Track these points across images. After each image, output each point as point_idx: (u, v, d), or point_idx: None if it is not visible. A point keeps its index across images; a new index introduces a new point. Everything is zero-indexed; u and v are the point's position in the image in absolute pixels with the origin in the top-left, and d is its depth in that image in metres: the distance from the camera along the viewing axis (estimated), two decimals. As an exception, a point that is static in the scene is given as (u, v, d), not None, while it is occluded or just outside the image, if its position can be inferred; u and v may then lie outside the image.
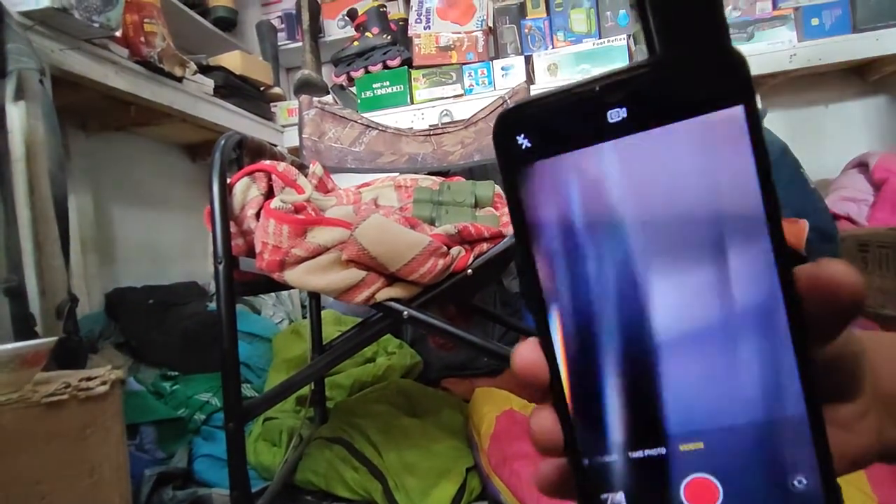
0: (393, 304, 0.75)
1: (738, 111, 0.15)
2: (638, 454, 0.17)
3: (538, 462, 0.18)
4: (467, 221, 0.82)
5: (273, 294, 1.61)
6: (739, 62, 0.15)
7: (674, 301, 0.16)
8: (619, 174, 0.16)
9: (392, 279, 0.75)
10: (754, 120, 0.15)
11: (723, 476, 0.16)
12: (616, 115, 0.16)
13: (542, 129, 0.17)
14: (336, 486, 0.90)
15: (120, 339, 1.19)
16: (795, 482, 0.16)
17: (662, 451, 0.16)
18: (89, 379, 0.51)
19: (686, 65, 0.16)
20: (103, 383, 0.52)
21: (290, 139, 1.72)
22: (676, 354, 0.16)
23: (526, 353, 0.17)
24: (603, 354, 0.17)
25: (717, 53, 0.15)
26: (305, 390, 1.12)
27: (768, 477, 0.16)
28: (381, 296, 0.74)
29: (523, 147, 0.17)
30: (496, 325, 1.34)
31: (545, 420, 0.17)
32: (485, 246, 0.81)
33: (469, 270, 0.77)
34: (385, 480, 0.86)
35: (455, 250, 0.77)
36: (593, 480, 0.17)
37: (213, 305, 1.39)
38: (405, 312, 0.74)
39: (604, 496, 0.17)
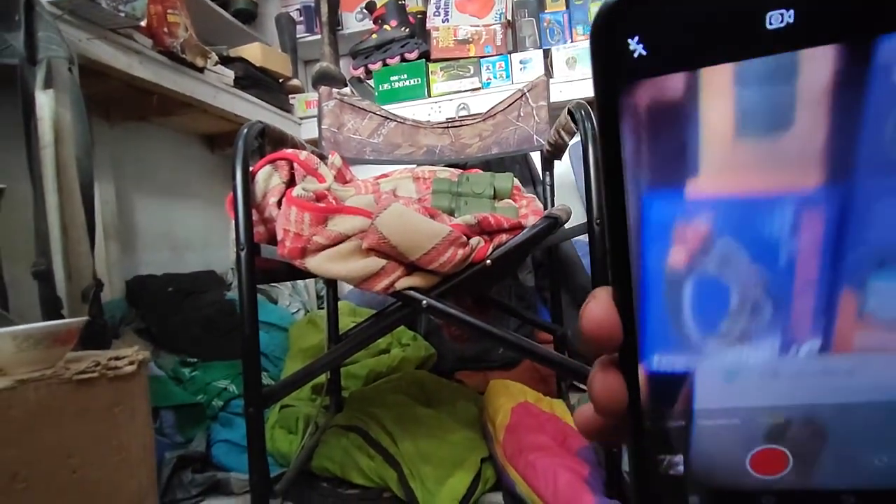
0: (412, 292, 0.75)
1: None
2: (709, 423, 0.15)
3: (579, 410, 0.18)
4: (486, 212, 0.82)
5: (289, 284, 1.62)
6: None
7: (796, 262, 0.14)
8: (773, 108, 0.12)
9: (411, 268, 0.76)
10: None
11: (796, 449, 0.15)
12: (778, 18, 0.12)
13: (668, 30, 0.12)
14: (351, 473, 0.91)
15: (140, 325, 1.21)
16: (876, 461, 0.14)
17: (737, 421, 0.15)
18: (118, 359, 0.52)
19: None
20: (131, 363, 0.53)
21: (308, 131, 1.73)
22: (779, 321, 0.14)
23: (598, 309, 0.16)
24: (693, 314, 0.15)
25: None
26: (321, 379, 1.14)
27: (845, 454, 0.15)
28: (400, 284, 0.75)
29: (636, 54, 0.13)
30: (511, 319, 1.34)
31: (610, 382, 0.16)
32: (504, 237, 0.81)
33: (488, 261, 0.77)
34: (400, 468, 0.86)
35: (474, 240, 0.77)
36: (653, 441, 0.16)
37: (230, 294, 1.41)
38: (424, 301, 0.75)
39: (661, 457, 0.16)
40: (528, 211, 0.95)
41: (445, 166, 1.14)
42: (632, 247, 0.15)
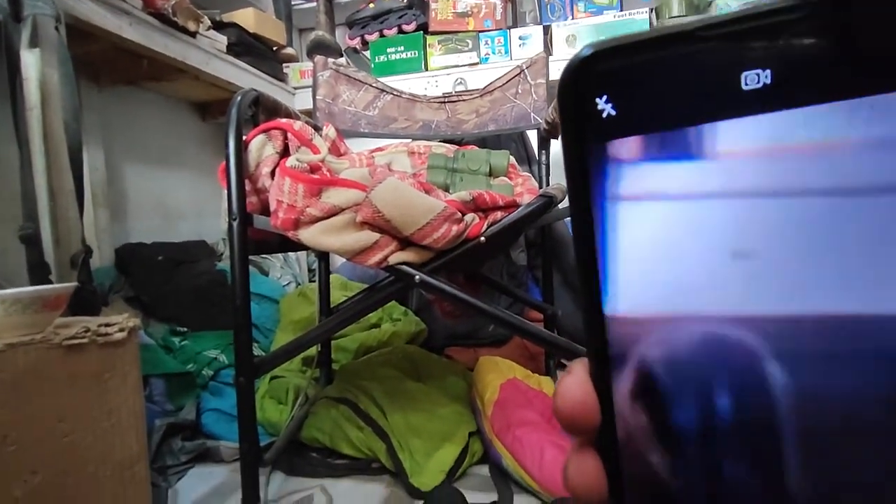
0: (405, 267, 0.75)
1: None
2: None
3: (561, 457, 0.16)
4: (482, 189, 0.82)
5: (281, 256, 1.61)
6: None
7: (810, 377, 0.12)
8: (753, 171, 0.11)
9: (405, 243, 0.75)
10: None
11: None
12: (755, 79, 0.11)
13: (639, 90, 0.12)
14: (341, 444, 0.92)
15: (130, 293, 1.20)
16: None
17: None
18: (108, 325, 0.52)
19: (881, 7, 0.10)
20: (121, 330, 0.53)
21: (302, 101, 1.70)
22: (823, 413, 0.12)
23: (574, 387, 0.14)
24: (682, 411, 0.13)
25: None
26: (312, 351, 1.14)
27: None
28: (393, 259, 0.74)
29: (605, 114, 0.12)
30: (502, 296, 1.35)
31: (586, 467, 0.14)
32: (499, 214, 0.81)
33: (482, 238, 0.77)
34: (389, 440, 0.88)
35: (469, 217, 0.77)
36: None
37: (221, 265, 1.40)
38: (417, 276, 0.75)
39: None
40: (523, 189, 0.95)
41: (441, 142, 1.13)
42: (607, 328, 0.13)
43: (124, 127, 1.37)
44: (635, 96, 0.12)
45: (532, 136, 1.55)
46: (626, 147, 0.12)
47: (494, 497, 0.79)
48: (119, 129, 1.35)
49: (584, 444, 0.14)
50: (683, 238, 0.12)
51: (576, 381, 0.14)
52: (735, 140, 0.12)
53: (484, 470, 0.89)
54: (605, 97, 0.12)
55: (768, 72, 0.11)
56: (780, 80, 0.11)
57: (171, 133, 1.58)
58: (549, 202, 0.81)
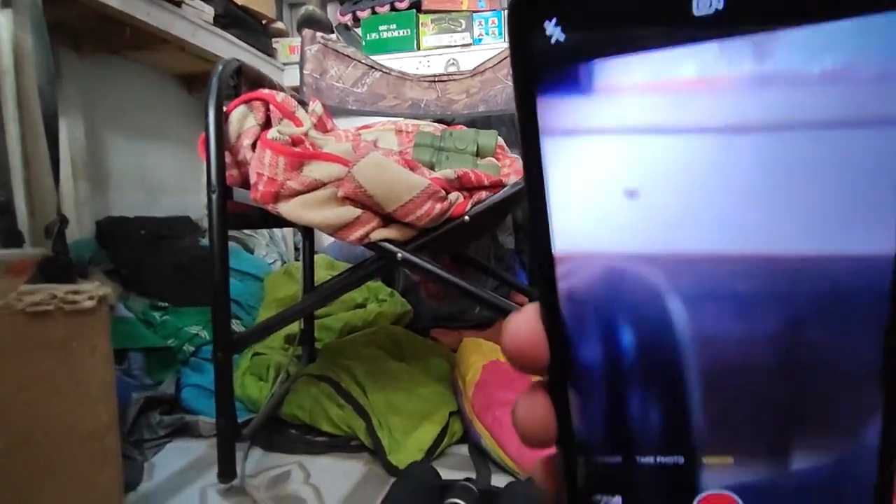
0: (387, 244, 0.74)
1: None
2: (648, 460, 0.14)
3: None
4: (468, 168, 0.80)
5: (266, 234, 1.60)
6: None
7: (743, 286, 0.12)
8: (697, 101, 0.11)
9: (388, 220, 0.74)
10: None
11: (748, 496, 0.13)
12: (706, 4, 0.11)
13: (587, 14, 0.11)
14: (320, 422, 0.91)
15: (110, 266, 1.18)
16: None
17: (681, 459, 0.13)
18: (76, 293, 0.51)
19: None
20: (90, 298, 0.51)
21: (291, 78, 1.66)
22: (725, 347, 0.13)
23: (522, 324, 0.14)
24: (625, 336, 0.13)
25: None
26: (294, 329, 1.13)
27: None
28: (375, 236, 0.73)
29: (553, 40, 0.11)
30: (488, 279, 1.34)
31: (536, 408, 0.14)
32: (484, 194, 0.80)
33: (466, 217, 0.76)
34: (369, 419, 0.87)
35: (453, 196, 0.76)
36: (588, 479, 0.14)
37: (205, 241, 1.38)
38: (399, 254, 0.74)
39: (598, 497, 0.14)
40: (510, 171, 0.94)
41: (430, 122, 1.11)
42: (553, 252, 0.13)
43: (106, 97, 1.34)
44: (585, 20, 0.11)
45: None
46: (574, 74, 0.12)
47: (473, 475, 0.79)
48: (100, 99, 1.31)
49: (534, 387, 0.14)
50: (621, 172, 0.12)
51: (524, 317, 0.14)
52: (681, 69, 0.11)
53: (463, 449, 0.89)
54: (553, 21, 0.11)
55: None
56: (731, 5, 0.11)
57: (156, 105, 1.54)
58: (534, 183, 0.80)
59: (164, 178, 1.53)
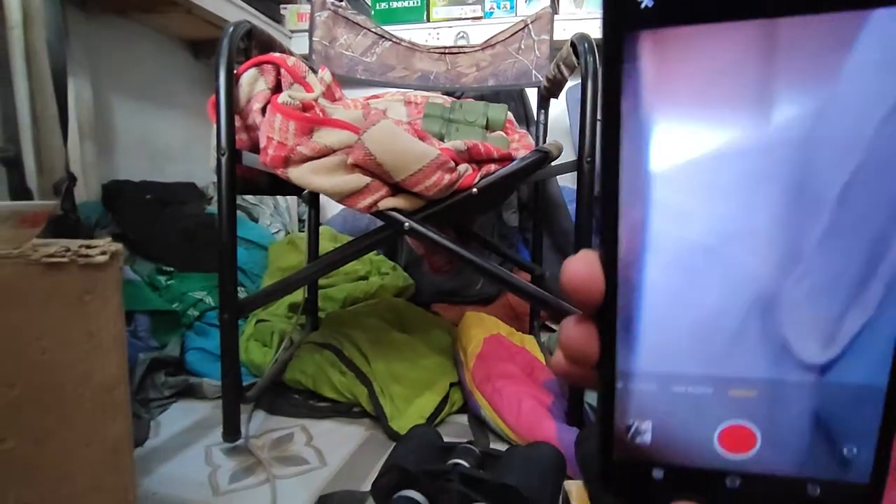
0: (395, 213, 0.74)
1: None
2: (681, 388, 0.15)
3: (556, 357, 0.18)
4: (477, 140, 0.80)
5: (271, 204, 1.60)
6: None
7: (778, 231, 0.14)
8: (772, 69, 0.13)
9: (396, 189, 0.75)
10: None
11: (766, 428, 0.15)
12: None
13: None
14: (323, 387, 0.93)
15: (116, 230, 1.19)
16: (845, 450, 0.14)
17: (709, 390, 0.15)
18: (89, 247, 0.51)
19: None
20: (103, 253, 0.52)
21: (298, 46, 1.64)
22: (760, 291, 0.14)
23: (579, 264, 0.16)
24: (675, 276, 0.15)
25: None
26: (298, 297, 1.14)
27: (816, 439, 0.14)
28: (383, 204, 0.74)
29: (642, 5, 0.13)
30: (491, 255, 1.35)
31: (580, 333, 0.16)
32: (492, 167, 0.80)
33: (475, 189, 0.76)
34: (371, 386, 0.89)
35: (462, 167, 0.76)
36: (623, 403, 0.16)
37: (211, 208, 1.38)
38: (407, 224, 0.74)
39: (630, 421, 0.16)
40: (519, 145, 0.94)
41: (439, 94, 1.10)
42: (620, 202, 0.15)
43: (113, 59, 1.33)
44: None
45: (532, 97, 1.52)
46: (654, 38, 0.13)
47: (471, 444, 0.81)
48: (107, 61, 1.30)
49: (583, 318, 0.16)
50: (693, 142, 0.14)
51: (583, 257, 0.16)
52: (753, 44, 0.13)
53: (462, 419, 0.91)
54: None
55: None
56: None
57: (163, 70, 1.53)
58: (544, 157, 0.80)
59: (169, 145, 1.53)
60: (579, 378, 0.17)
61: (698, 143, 0.14)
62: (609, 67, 0.14)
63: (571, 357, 0.16)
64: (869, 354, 0.14)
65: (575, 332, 0.16)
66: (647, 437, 0.16)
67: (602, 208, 0.15)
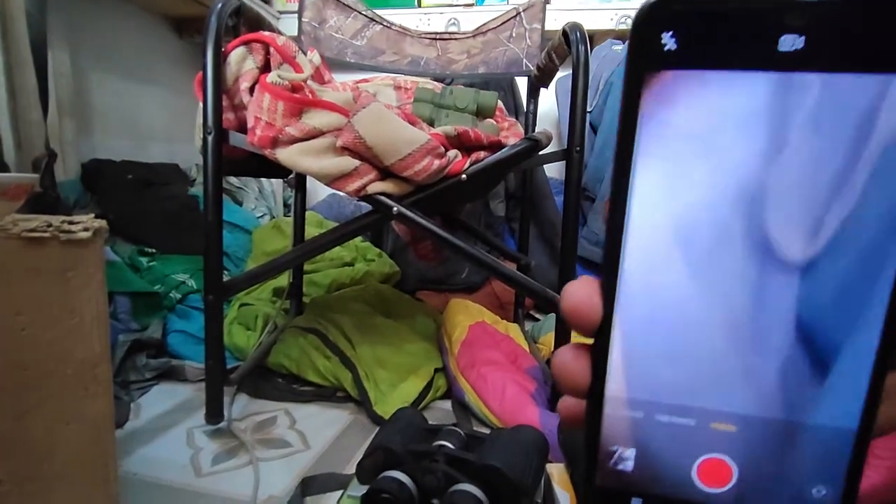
0: (383, 198, 0.74)
1: None
2: (665, 418, 0.16)
3: (562, 399, 0.18)
4: (468, 127, 0.80)
5: (256, 188, 1.58)
6: None
7: (771, 276, 0.14)
8: (768, 114, 0.14)
9: (385, 173, 0.74)
10: None
11: (742, 463, 0.15)
12: (790, 42, 0.13)
13: (697, 33, 0.14)
14: (307, 371, 0.93)
15: (96, 210, 1.16)
16: (814, 491, 0.15)
17: (692, 422, 0.16)
18: (72, 223, 0.50)
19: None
20: (86, 229, 0.51)
21: (287, 27, 1.61)
22: (748, 333, 0.15)
23: (580, 290, 0.16)
24: (670, 312, 0.15)
25: None
26: (283, 282, 1.14)
27: (788, 478, 0.15)
28: (372, 188, 0.73)
29: (666, 48, 0.14)
30: (478, 244, 1.35)
31: (572, 361, 0.17)
32: (482, 154, 0.80)
33: (464, 175, 0.76)
34: (356, 370, 0.89)
35: (452, 153, 0.76)
36: (609, 430, 0.16)
37: (194, 190, 1.36)
38: (395, 208, 0.74)
39: (614, 447, 0.16)
40: (509, 133, 0.94)
41: (429, 80, 1.09)
42: (625, 230, 0.15)
43: (94, 33, 1.29)
44: (694, 38, 0.14)
45: (522, 87, 1.52)
46: (676, 79, 0.14)
47: (454, 429, 0.82)
48: (88, 36, 1.26)
49: (577, 345, 0.17)
50: (695, 168, 0.15)
51: (583, 283, 0.17)
52: (760, 93, 0.14)
53: (446, 404, 0.91)
54: (670, 33, 0.14)
55: (802, 38, 0.13)
56: (810, 47, 0.13)
57: (145, 48, 1.49)
58: (534, 145, 0.80)
59: (152, 125, 1.50)
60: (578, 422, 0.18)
61: (702, 187, 0.14)
62: (627, 102, 0.15)
63: (563, 382, 0.17)
64: (839, 401, 0.15)
65: (568, 357, 0.17)
66: (629, 465, 0.16)
67: (607, 239, 0.15)
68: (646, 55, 0.14)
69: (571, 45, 0.81)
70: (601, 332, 0.16)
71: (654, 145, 0.15)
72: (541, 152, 0.86)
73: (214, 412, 0.77)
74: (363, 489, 0.48)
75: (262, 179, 1.62)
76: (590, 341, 0.17)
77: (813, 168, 0.14)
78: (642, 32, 0.14)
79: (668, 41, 0.14)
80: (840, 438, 0.15)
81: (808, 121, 0.14)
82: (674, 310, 0.15)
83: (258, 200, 1.53)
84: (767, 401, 0.15)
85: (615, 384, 0.16)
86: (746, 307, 0.15)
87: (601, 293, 0.16)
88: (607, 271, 0.16)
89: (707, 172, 0.14)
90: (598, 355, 0.16)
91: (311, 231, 1.25)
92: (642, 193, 0.15)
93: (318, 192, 1.66)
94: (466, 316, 1.02)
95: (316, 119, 0.71)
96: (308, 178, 1.10)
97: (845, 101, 0.13)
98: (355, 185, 0.72)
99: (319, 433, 0.80)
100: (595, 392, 0.16)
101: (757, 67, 0.14)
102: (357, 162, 0.72)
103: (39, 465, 0.50)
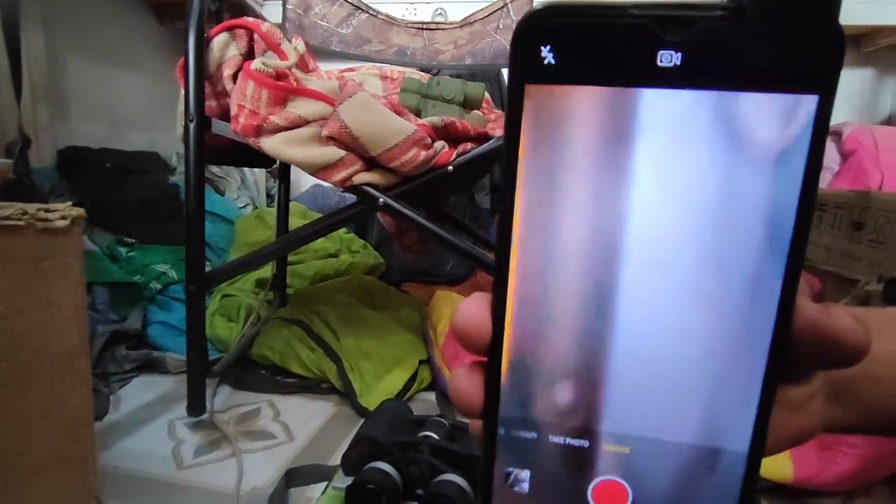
0: (369, 189, 0.74)
1: (811, 102, 0.13)
2: (559, 440, 0.16)
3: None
4: (455, 118, 0.80)
5: (238, 177, 1.55)
6: (839, 43, 0.13)
7: (656, 297, 0.15)
8: (644, 131, 0.14)
9: (371, 164, 0.74)
10: (823, 118, 0.13)
11: (637, 486, 0.15)
12: (668, 58, 0.13)
13: (575, 48, 0.14)
14: (291, 363, 0.92)
15: (72, 198, 1.13)
16: None
17: (585, 443, 0.16)
18: (48, 211, 0.49)
19: (775, 24, 0.13)
20: (63, 218, 0.49)
21: (271, 15, 1.58)
22: (636, 354, 0.15)
23: (473, 307, 0.16)
24: (558, 331, 0.15)
25: (819, 24, 0.13)
26: (266, 273, 1.12)
27: (683, 501, 0.15)
28: (358, 179, 0.73)
29: (545, 61, 0.14)
30: (463, 236, 1.35)
31: (466, 382, 0.16)
32: (469, 146, 0.80)
33: (450, 167, 0.76)
34: (340, 362, 0.89)
35: (439, 144, 0.76)
36: (504, 450, 0.16)
37: (174, 178, 1.34)
38: (381, 199, 0.74)
39: (509, 469, 0.16)
40: (496, 125, 0.94)
41: (416, 70, 1.09)
42: (512, 247, 0.15)
43: (69, 17, 1.25)
44: (573, 52, 0.14)
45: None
46: (555, 92, 0.14)
47: (439, 420, 0.82)
48: (63, 18, 1.23)
49: (472, 364, 0.17)
50: (579, 189, 0.14)
51: (475, 303, 0.16)
52: (638, 108, 0.14)
53: (431, 396, 0.92)
54: (549, 47, 0.14)
55: (679, 54, 0.13)
56: (686, 63, 0.13)
57: (124, 33, 1.45)
58: (520, 137, 0.80)
59: (131, 111, 1.46)
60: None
61: (582, 202, 0.14)
62: (510, 113, 0.14)
63: (458, 403, 0.17)
64: (729, 423, 0.15)
65: (461, 380, 0.16)
66: (524, 486, 0.16)
67: (496, 254, 0.15)
68: (526, 67, 0.14)
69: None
70: (492, 352, 0.16)
71: (536, 158, 0.14)
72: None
73: (196, 404, 0.76)
74: (348, 480, 0.48)
75: (245, 169, 1.60)
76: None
77: (690, 183, 0.14)
78: (522, 45, 0.14)
79: (547, 55, 0.14)
80: (732, 460, 0.15)
81: (685, 136, 0.14)
82: (564, 328, 0.15)
83: (240, 190, 1.51)
84: (660, 423, 0.15)
85: (508, 404, 0.16)
86: (637, 327, 0.15)
87: (490, 310, 0.16)
88: (496, 288, 0.15)
89: (585, 186, 0.14)
90: (490, 375, 0.16)
91: (294, 222, 1.23)
92: (528, 207, 0.15)
93: (301, 182, 1.64)
94: (451, 307, 1.02)
95: (301, 108, 0.70)
96: (292, 167, 1.09)
97: (723, 117, 0.13)
98: (340, 175, 0.72)
99: (303, 425, 0.80)
100: (488, 413, 0.16)
101: (636, 84, 0.14)
102: (342, 152, 0.71)
103: (17, 459, 0.49)
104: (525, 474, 0.16)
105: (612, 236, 0.14)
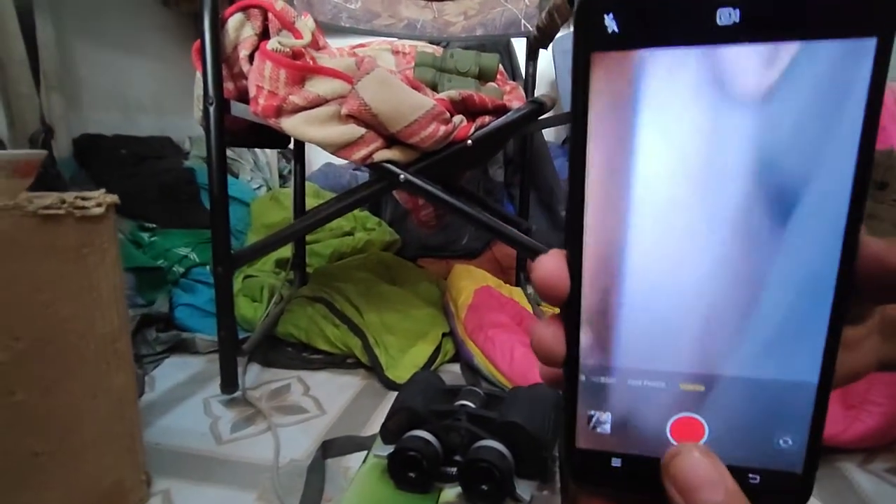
0: (390, 166, 0.74)
1: (870, 45, 0.13)
2: (637, 382, 0.17)
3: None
4: (471, 91, 0.79)
5: (251, 160, 1.56)
6: None
7: (724, 240, 0.15)
8: (709, 88, 0.14)
9: (391, 141, 0.74)
10: (883, 60, 0.13)
11: (712, 420, 0.16)
12: (727, 16, 0.14)
13: (638, 14, 0.15)
14: (316, 340, 0.94)
15: (91, 186, 1.14)
16: (781, 441, 0.16)
17: (662, 384, 0.16)
18: (84, 198, 0.50)
19: None
20: (99, 205, 0.50)
21: (274, -8, 1.56)
22: (707, 295, 0.16)
23: (550, 263, 0.17)
24: (632, 280, 0.16)
25: None
26: (285, 253, 1.14)
27: (756, 431, 0.16)
28: (378, 156, 0.73)
29: (609, 30, 0.15)
30: (479, 210, 1.36)
31: (548, 334, 0.17)
32: (486, 119, 0.79)
33: (469, 141, 0.76)
34: (365, 337, 0.90)
35: (457, 118, 0.75)
36: (585, 395, 0.17)
37: (189, 162, 1.34)
38: (402, 176, 0.74)
39: (591, 412, 0.17)
40: (511, 97, 0.93)
41: (427, 43, 1.07)
42: (585, 203, 0.16)
43: (75, 2, 1.24)
44: (635, 18, 0.15)
45: (519, 51, 1.50)
46: (621, 58, 0.15)
47: (465, 390, 0.84)
48: (70, 4, 1.22)
49: (552, 317, 0.18)
50: (649, 150, 0.15)
51: (552, 257, 0.17)
52: (703, 67, 0.14)
53: (455, 367, 0.93)
54: (611, 15, 0.15)
55: (738, 11, 0.14)
56: (745, 19, 0.14)
57: (131, 17, 1.44)
58: (539, 109, 0.79)
59: (142, 97, 1.46)
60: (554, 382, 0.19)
61: (657, 159, 0.15)
62: (577, 84, 0.15)
63: (541, 356, 0.18)
64: (799, 356, 0.15)
65: (544, 332, 0.18)
66: (606, 427, 0.17)
67: (568, 211, 0.16)
68: (590, 37, 0.15)
69: (574, 3, 0.80)
70: (570, 303, 0.17)
71: (605, 123, 0.15)
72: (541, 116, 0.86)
73: (229, 382, 0.79)
74: (389, 449, 0.50)
75: (257, 151, 1.60)
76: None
77: (758, 129, 0.14)
78: (585, 15, 0.15)
79: (610, 23, 0.15)
80: (802, 392, 0.16)
81: (753, 90, 0.14)
82: (637, 277, 0.16)
83: (254, 172, 1.52)
84: (732, 360, 0.16)
85: (587, 352, 0.17)
86: (709, 269, 0.15)
87: (567, 265, 0.17)
88: (570, 244, 0.16)
89: (657, 146, 0.15)
90: (570, 326, 0.17)
91: (309, 202, 1.24)
92: (598, 169, 0.16)
93: (312, 161, 1.64)
94: (471, 280, 1.03)
95: (319, 86, 0.70)
96: (306, 146, 1.09)
97: (784, 68, 0.14)
98: (362, 153, 0.72)
99: (334, 399, 0.82)
100: (570, 361, 0.17)
101: (698, 43, 0.14)
102: (363, 130, 0.71)
103: (69, 437, 0.51)
104: (606, 416, 0.17)
105: (685, 184, 0.15)
